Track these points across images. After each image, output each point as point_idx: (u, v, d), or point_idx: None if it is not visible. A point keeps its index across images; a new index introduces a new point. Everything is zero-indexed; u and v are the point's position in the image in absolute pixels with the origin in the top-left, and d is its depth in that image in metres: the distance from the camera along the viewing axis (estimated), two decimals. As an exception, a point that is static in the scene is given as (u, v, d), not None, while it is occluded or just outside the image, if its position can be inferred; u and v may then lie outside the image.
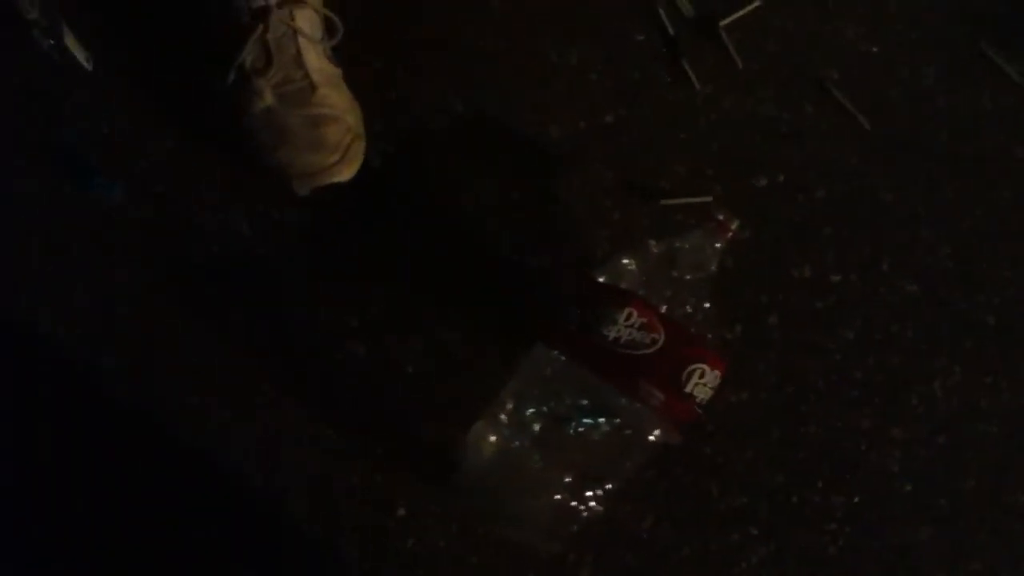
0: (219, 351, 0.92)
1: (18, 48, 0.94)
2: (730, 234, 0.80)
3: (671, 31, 1.00)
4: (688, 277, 0.78)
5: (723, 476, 0.89)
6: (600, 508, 0.80)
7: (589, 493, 0.80)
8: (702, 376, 0.76)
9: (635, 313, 0.75)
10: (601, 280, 0.79)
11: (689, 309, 0.77)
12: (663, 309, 0.77)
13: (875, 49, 0.99)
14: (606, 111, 0.98)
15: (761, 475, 0.89)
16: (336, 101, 0.92)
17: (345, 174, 0.92)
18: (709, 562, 0.87)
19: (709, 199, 0.94)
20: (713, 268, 0.79)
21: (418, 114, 0.97)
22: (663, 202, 0.95)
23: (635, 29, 1.00)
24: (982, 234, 0.94)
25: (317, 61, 0.91)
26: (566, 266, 0.92)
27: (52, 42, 0.94)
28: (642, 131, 0.97)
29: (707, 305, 0.78)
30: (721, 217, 0.79)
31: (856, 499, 0.88)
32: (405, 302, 0.93)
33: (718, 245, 0.80)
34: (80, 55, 0.95)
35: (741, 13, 1.00)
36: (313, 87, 0.91)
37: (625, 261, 0.79)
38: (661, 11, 1.00)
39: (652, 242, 0.79)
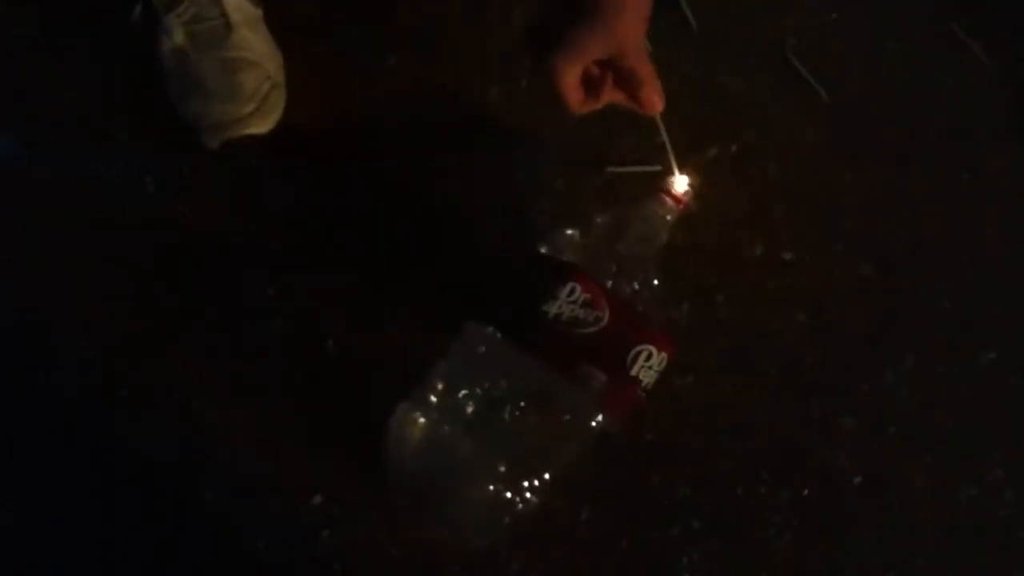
0: (123, 319, 0.88)
1: None
2: (682, 205, 0.78)
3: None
4: (636, 251, 0.76)
5: (665, 465, 0.87)
6: (536, 500, 0.77)
7: (525, 484, 0.76)
8: (648, 359, 0.74)
9: (578, 288, 0.73)
10: (542, 252, 0.76)
11: (636, 286, 0.75)
12: (608, 285, 0.74)
13: (835, 16, 0.98)
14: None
15: (705, 465, 0.87)
16: (255, 45, 0.88)
17: (261, 126, 0.89)
18: (649, 556, 0.86)
19: (658, 168, 0.91)
20: (662, 241, 0.77)
21: (348, 68, 0.94)
22: (609, 169, 0.92)
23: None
24: (939, 216, 0.94)
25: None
26: (503, 237, 0.89)
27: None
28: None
29: (655, 282, 0.76)
30: (673, 187, 0.77)
31: (804, 492, 0.87)
32: (325, 273, 0.90)
33: (668, 217, 0.78)
34: None
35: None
36: (230, 27, 0.87)
37: (569, 232, 0.77)
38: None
39: (597, 213, 0.76)
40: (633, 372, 0.74)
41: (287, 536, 0.85)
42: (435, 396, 0.76)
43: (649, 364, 0.74)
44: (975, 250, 0.93)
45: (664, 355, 0.75)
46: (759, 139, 0.95)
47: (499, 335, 0.75)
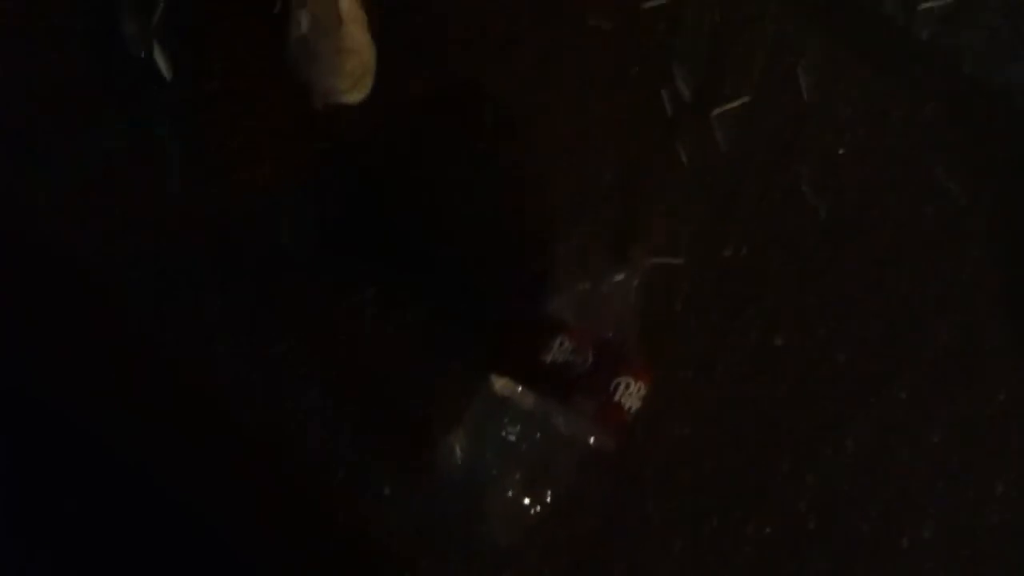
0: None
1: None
2: (641, 270, 1.00)
3: (669, 112, 1.19)
4: (613, 306, 0.99)
5: (652, 500, 1.06)
6: (548, 506, 0.98)
7: (539, 492, 0.98)
8: (628, 388, 0.95)
9: (567, 340, 0.96)
10: (543, 313, 1.00)
11: (611, 334, 0.98)
12: (593, 332, 0.97)
13: (841, 151, 1.18)
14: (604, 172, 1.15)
15: (684, 501, 1.07)
16: (358, 38, 1.12)
17: (354, 97, 1.12)
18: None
19: (680, 261, 1.13)
20: (632, 299, 1.00)
21: (394, 119, 1.12)
22: (647, 262, 1.09)
23: (638, 106, 1.18)
24: (906, 318, 1.12)
25: (348, 4, 1.12)
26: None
27: (143, 55, 1.12)
28: (626, 197, 1.15)
29: (631, 328, 0.98)
30: (636, 258, 1.01)
31: (767, 530, 1.07)
32: (346, 292, 1.04)
33: (635, 282, 1.01)
34: (163, 66, 1.13)
35: (732, 105, 1.19)
36: (341, 22, 1.11)
37: (564, 299, 1.00)
38: (664, 93, 1.19)
39: (584, 284, 1.00)
40: (616, 399, 0.96)
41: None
42: (468, 431, 1.00)
43: (630, 392, 0.96)
44: (932, 347, 1.10)
45: (641, 383, 0.96)
46: (766, 245, 1.14)
47: (512, 381, 0.98)
